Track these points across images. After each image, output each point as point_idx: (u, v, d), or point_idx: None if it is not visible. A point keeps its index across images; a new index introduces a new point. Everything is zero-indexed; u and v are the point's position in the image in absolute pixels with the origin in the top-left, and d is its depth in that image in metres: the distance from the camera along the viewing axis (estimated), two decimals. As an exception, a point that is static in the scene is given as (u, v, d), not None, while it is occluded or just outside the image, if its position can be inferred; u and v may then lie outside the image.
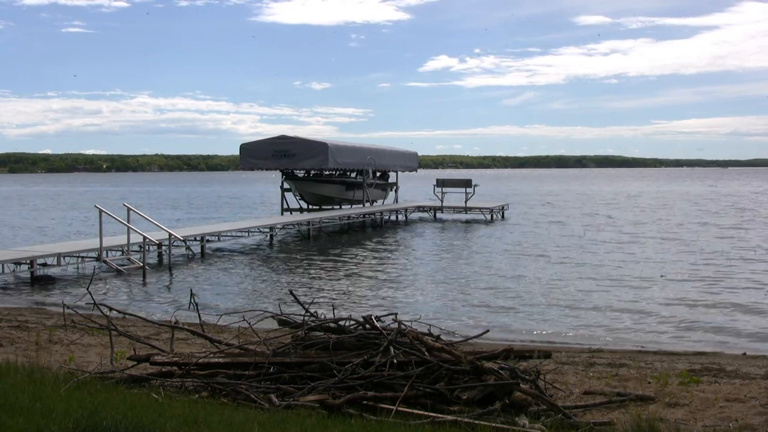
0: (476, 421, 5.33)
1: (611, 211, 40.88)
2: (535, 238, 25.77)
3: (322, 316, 7.10)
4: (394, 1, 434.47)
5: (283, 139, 30.72)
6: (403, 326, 6.46)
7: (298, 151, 30.00)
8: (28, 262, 16.34)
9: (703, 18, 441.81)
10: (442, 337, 6.93)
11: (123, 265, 17.74)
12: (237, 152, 32.31)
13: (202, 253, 21.03)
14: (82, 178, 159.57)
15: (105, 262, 17.68)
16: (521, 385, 5.87)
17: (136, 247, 18.39)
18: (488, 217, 34.62)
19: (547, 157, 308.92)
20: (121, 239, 18.57)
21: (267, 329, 7.87)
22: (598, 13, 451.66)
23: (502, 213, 35.93)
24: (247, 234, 24.52)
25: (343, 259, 20.56)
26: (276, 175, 33.50)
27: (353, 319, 6.91)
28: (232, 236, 23.52)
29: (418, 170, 41.40)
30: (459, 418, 5.40)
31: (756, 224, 31.18)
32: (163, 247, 19.37)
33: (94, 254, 17.79)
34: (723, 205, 45.88)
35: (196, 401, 5.83)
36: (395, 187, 38.91)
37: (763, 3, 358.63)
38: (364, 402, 5.71)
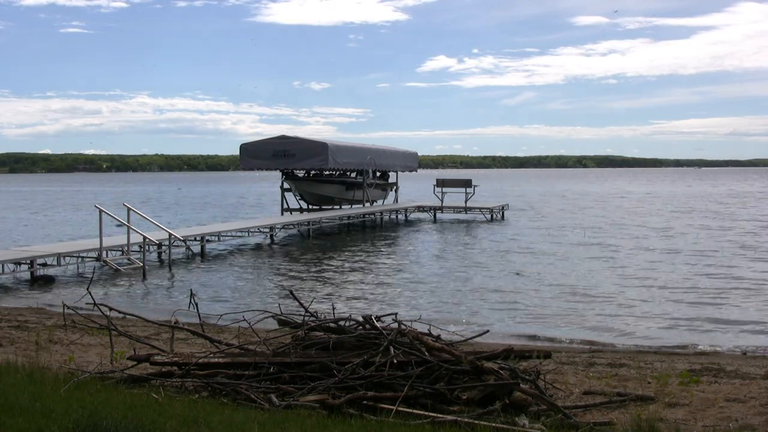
0: (476, 421, 5.33)
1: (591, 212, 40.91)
2: (535, 239, 25.77)
3: (322, 316, 7.09)
4: (392, 1, 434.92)
5: (283, 139, 30.69)
6: (403, 326, 6.46)
7: (298, 151, 29.97)
8: (28, 262, 16.34)
9: (701, 18, 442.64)
10: (442, 337, 6.92)
11: (123, 265, 17.74)
12: (237, 152, 32.32)
13: (202, 253, 21.03)
14: (82, 178, 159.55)
15: (105, 262, 17.67)
16: (521, 385, 5.86)
17: (136, 247, 18.39)
18: (488, 217, 34.62)
19: (546, 157, 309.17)
20: (121, 239, 18.57)
21: (267, 329, 7.86)
22: (595, 13, 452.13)
23: (502, 213, 35.91)
24: (247, 234, 24.52)
25: (343, 259, 20.56)
26: (276, 175, 33.52)
27: (353, 319, 6.91)
28: (232, 236, 23.51)
29: (418, 170, 41.37)
30: (459, 418, 5.40)
31: (738, 226, 31.17)
32: (163, 247, 19.36)
33: (94, 254, 17.78)
34: (705, 205, 45.92)
35: (196, 401, 5.83)
36: (395, 187, 38.89)
37: (760, 3, 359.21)
38: (364, 402, 5.70)
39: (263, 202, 54.15)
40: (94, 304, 7.23)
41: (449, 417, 5.44)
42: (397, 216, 35.24)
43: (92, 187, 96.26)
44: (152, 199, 62.25)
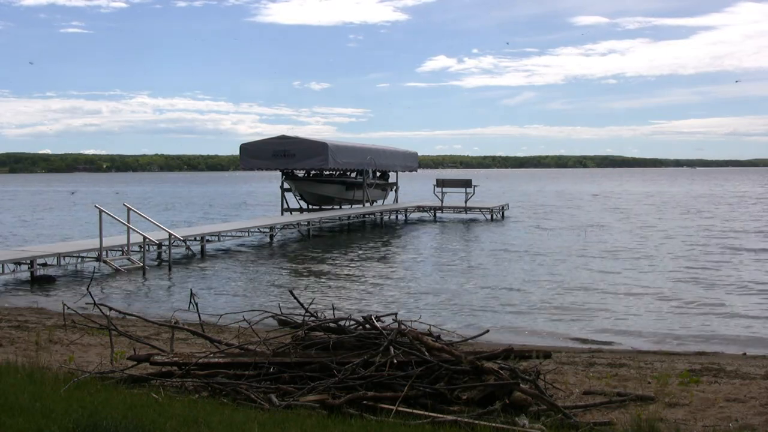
0: (476, 421, 5.33)
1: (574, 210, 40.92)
2: (535, 239, 25.78)
3: (322, 316, 7.10)
4: (392, 1, 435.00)
5: (283, 139, 30.68)
6: (403, 326, 6.46)
7: (298, 151, 29.97)
8: (28, 262, 16.34)
9: (701, 18, 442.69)
10: (442, 337, 6.93)
11: (123, 265, 17.74)
12: (237, 152, 32.32)
13: (202, 253, 21.02)
14: (81, 178, 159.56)
15: (105, 262, 17.67)
16: (521, 385, 5.86)
17: (136, 247, 18.39)
18: (488, 217, 34.63)
19: (546, 157, 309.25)
20: (121, 239, 18.57)
21: (267, 329, 7.87)
22: (595, 13, 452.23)
23: (502, 213, 35.92)
24: (247, 234, 24.53)
25: (343, 259, 20.56)
26: (271, 175, 33.53)
27: (353, 319, 6.91)
28: (232, 236, 23.52)
29: (418, 170, 41.37)
30: (459, 418, 5.40)
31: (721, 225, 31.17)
32: (163, 247, 19.36)
33: (94, 254, 17.78)
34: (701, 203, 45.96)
35: (196, 401, 5.83)
36: (395, 187, 38.90)
37: (759, 3, 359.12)
38: (364, 402, 5.70)
39: (248, 203, 54.22)
40: (94, 304, 7.23)
41: (449, 417, 5.44)
42: (397, 216, 35.24)
43: (87, 187, 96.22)
44: (142, 198, 62.27)
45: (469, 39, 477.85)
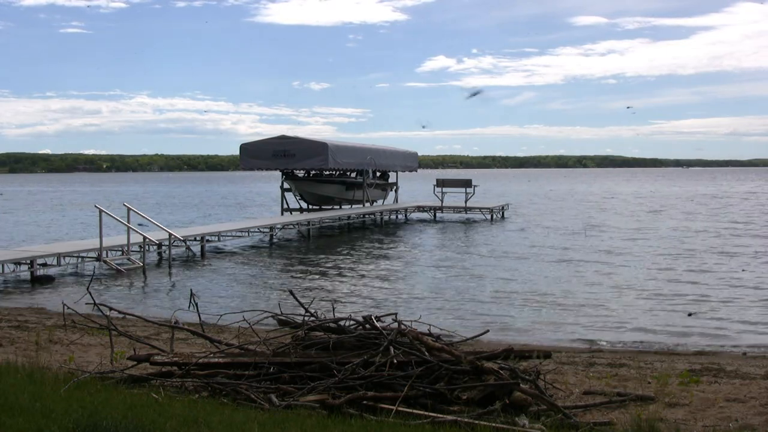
0: (476, 421, 5.33)
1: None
2: (535, 238, 25.78)
3: (322, 316, 7.10)
4: (392, 1, 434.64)
5: (283, 139, 30.71)
6: (403, 326, 6.47)
7: (298, 151, 30.00)
8: (28, 262, 16.34)
9: (700, 18, 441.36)
10: (442, 337, 6.93)
11: (123, 265, 17.74)
12: (237, 152, 32.34)
13: (202, 253, 21.03)
14: (80, 178, 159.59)
15: (105, 262, 17.68)
16: (521, 385, 5.87)
17: (136, 247, 18.40)
18: (488, 217, 34.64)
19: (546, 156, 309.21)
20: (121, 239, 18.58)
21: (267, 329, 7.87)
22: (594, 13, 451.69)
23: (502, 213, 35.93)
24: (247, 234, 24.53)
25: (343, 259, 20.56)
26: (275, 175, 33.55)
27: (353, 319, 6.92)
28: (232, 236, 23.52)
29: (418, 170, 41.36)
30: (459, 418, 5.41)
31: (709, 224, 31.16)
32: (163, 247, 19.37)
33: (94, 254, 17.79)
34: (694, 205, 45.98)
35: (196, 401, 5.83)
36: (395, 187, 38.91)
37: (758, 3, 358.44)
38: (364, 402, 5.71)
39: (229, 203, 54.26)
40: (94, 304, 7.23)
41: (449, 417, 5.45)
42: (397, 216, 35.26)
43: (84, 188, 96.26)
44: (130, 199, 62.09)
45: (469, 39, 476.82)
